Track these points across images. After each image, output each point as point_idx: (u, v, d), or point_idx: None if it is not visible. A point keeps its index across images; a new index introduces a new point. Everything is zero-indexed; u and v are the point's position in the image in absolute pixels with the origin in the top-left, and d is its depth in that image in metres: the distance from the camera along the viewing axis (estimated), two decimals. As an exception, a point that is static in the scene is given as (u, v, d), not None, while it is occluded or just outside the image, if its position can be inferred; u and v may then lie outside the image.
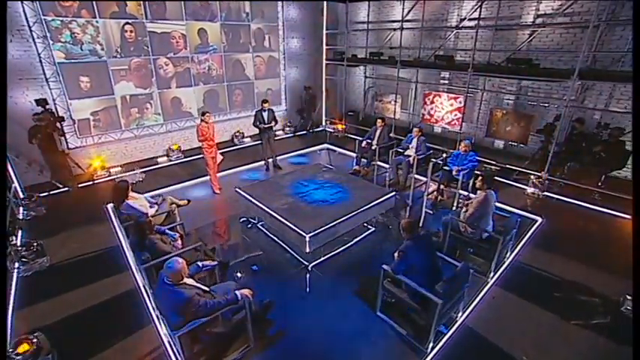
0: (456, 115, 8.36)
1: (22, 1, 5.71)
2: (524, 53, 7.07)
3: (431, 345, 3.14)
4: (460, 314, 3.53)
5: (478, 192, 4.16)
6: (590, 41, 5.95)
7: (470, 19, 7.79)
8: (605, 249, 4.60)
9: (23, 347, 2.63)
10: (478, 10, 6.92)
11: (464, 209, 4.26)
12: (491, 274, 4.09)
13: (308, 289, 4.09)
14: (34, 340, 2.74)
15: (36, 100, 5.84)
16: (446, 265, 3.41)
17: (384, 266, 3.32)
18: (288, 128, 10.27)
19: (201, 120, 6.00)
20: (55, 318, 3.45)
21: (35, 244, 4.19)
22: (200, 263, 3.19)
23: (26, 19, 5.81)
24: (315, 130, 10.40)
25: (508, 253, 4.50)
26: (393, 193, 5.33)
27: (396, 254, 3.26)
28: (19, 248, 4.11)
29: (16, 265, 4.08)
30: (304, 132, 10.22)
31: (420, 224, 5.41)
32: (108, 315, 3.57)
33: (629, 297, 3.62)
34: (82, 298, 3.72)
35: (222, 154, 6.55)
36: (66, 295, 3.78)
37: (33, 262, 4.10)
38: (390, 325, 3.41)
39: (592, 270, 4.19)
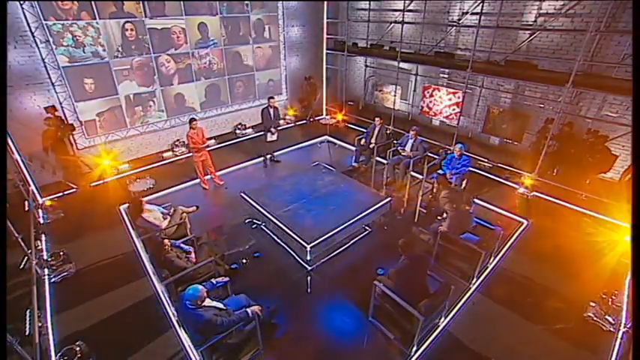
0: (454, 109, 8.50)
1: (20, 1, 5.69)
2: (524, 52, 7.09)
3: (414, 349, 3.64)
4: (442, 319, 4.01)
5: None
6: (589, 45, 6.00)
7: (472, 14, 7.68)
8: (579, 254, 4.96)
9: (69, 357, 3.12)
10: (480, 5, 6.84)
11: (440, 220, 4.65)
12: (474, 279, 4.55)
13: (309, 290, 4.57)
14: (78, 349, 3.23)
15: (45, 108, 6.03)
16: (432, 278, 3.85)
17: (376, 282, 3.75)
18: (288, 117, 10.39)
19: (190, 127, 6.21)
20: (88, 323, 3.92)
21: (62, 253, 4.62)
22: (214, 280, 3.61)
23: (28, 24, 5.84)
24: (316, 118, 10.52)
25: (492, 259, 4.94)
26: (389, 199, 5.69)
27: (393, 270, 3.66)
28: (49, 259, 4.54)
29: (46, 271, 4.53)
30: (304, 121, 10.36)
31: (415, 220, 5.83)
32: (133, 320, 4.03)
33: (592, 304, 4.10)
34: (108, 304, 4.18)
35: (225, 147, 6.77)
36: (93, 301, 4.23)
37: (61, 269, 4.54)
38: (380, 329, 3.90)
39: (564, 275, 4.61)
